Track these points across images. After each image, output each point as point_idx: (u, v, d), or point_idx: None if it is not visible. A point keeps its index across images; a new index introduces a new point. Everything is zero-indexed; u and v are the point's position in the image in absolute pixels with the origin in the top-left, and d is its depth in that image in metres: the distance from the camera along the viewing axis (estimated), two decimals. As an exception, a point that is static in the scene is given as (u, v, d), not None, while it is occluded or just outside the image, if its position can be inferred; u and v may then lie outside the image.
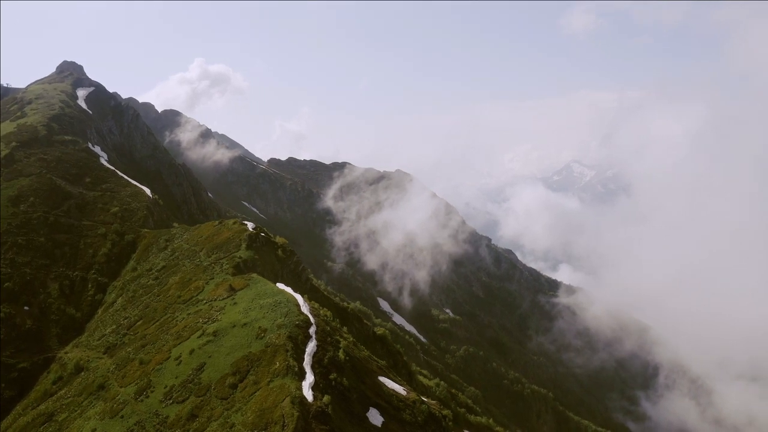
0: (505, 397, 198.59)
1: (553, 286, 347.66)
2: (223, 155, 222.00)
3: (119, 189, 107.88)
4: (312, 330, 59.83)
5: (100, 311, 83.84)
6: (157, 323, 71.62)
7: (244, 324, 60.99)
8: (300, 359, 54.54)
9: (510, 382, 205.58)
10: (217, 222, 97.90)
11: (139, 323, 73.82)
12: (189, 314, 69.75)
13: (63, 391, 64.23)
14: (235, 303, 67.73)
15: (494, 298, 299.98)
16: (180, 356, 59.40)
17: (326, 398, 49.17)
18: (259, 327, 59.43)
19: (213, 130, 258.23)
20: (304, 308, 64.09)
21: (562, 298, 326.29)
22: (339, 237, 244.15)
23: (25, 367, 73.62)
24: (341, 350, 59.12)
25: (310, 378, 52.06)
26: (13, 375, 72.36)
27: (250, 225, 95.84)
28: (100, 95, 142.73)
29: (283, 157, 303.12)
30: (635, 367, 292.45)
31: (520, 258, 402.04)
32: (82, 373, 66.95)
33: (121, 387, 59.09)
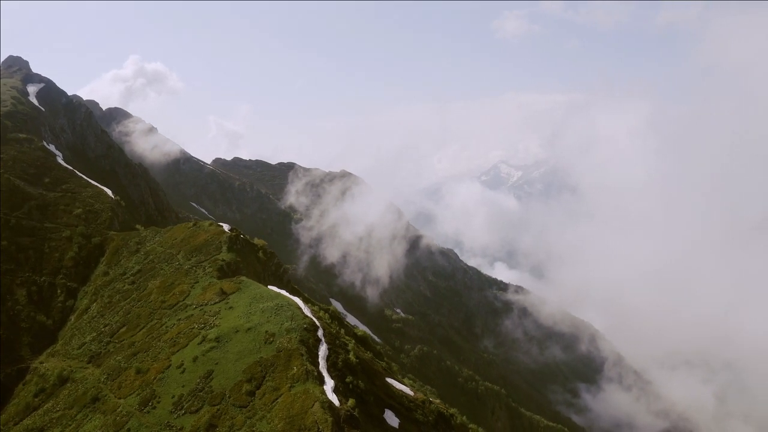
0: (461, 395, 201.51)
1: (494, 283, 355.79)
2: (169, 155, 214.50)
3: (80, 190, 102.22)
4: (320, 333, 58.86)
5: (72, 318, 79.24)
6: (144, 330, 68.52)
7: (248, 329, 59.22)
8: (315, 363, 53.61)
9: (464, 380, 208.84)
10: (191, 224, 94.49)
11: (122, 330, 70.34)
12: (179, 320, 67.07)
13: (49, 405, 60.29)
14: (230, 307, 65.65)
15: (441, 298, 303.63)
16: (182, 364, 57.03)
17: (351, 402, 48.57)
18: (266, 331, 57.86)
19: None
20: (307, 311, 62.96)
21: (506, 296, 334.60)
22: (290, 239, 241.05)
23: (-3, 378, 68.82)
24: (351, 353, 58.49)
25: (330, 382, 51.29)
26: (-16, 388, 67.48)
27: (226, 227, 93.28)
28: (51, 92, 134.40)
29: (223, 156, 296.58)
30: (579, 362, 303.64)
31: (459, 255, 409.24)
32: (68, 385, 63.11)
33: (119, 398, 56.12)
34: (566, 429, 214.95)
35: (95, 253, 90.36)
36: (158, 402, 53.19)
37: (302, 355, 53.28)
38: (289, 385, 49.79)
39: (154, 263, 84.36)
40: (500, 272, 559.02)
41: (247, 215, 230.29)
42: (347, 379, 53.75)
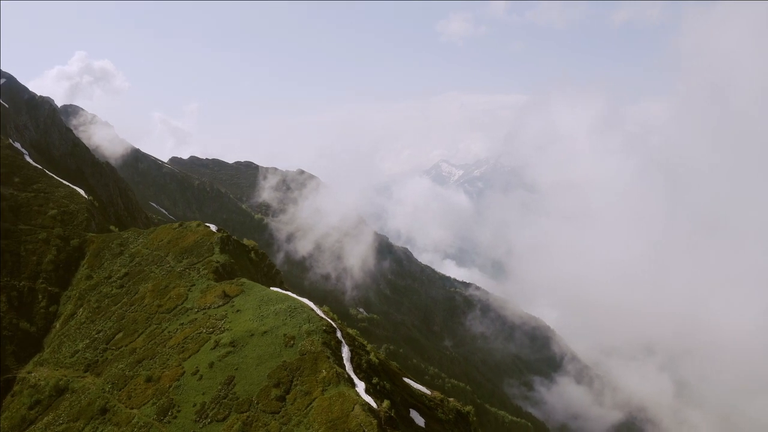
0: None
1: (449, 281, 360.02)
2: (126, 154, 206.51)
3: (52, 190, 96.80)
4: (339, 335, 57.90)
5: (57, 324, 74.96)
6: (143, 335, 65.64)
7: (265, 332, 57.59)
8: (342, 365, 52.74)
9: (431, 378, 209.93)
10: (176, 225, 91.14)
11: (119, 336, 67.12)
12: (182, 324, 64.62)
13: (49, 417, 56.79)
14: (238, 310, 63.72)
15: (402, 296, 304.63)
16: (198, 370, 54.94)
17: (386, 403, 47.95)
18: (284, 334, 56.41)
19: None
20: (320, 313, 61.80)
21: (463, 293, 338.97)
22: (252, 238, 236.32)
23: (-18, 391, 64.44)
24: (372, 353, 57.77)
25: (360, 384, 50.55)
26: (-33, 402, 63.04)
27: (213, 227, 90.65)
28: (12, 88, 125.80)
29: (176, 155, 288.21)
30: (534, 356, 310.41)
31: (412, 251, 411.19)
32: (67, 395, 59.63)
33: (131, 408, 53.51)
34: (529, 424, 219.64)
35: (75, 255, 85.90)
36: (178, 411, 51.02)
37: (328, 357, 52.24)
38: (321, 388, 48.68)
39: (142, 266, 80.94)
40: (452, 269, 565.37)
41: (208, 215, 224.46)
42: (373, 380, 53.07)
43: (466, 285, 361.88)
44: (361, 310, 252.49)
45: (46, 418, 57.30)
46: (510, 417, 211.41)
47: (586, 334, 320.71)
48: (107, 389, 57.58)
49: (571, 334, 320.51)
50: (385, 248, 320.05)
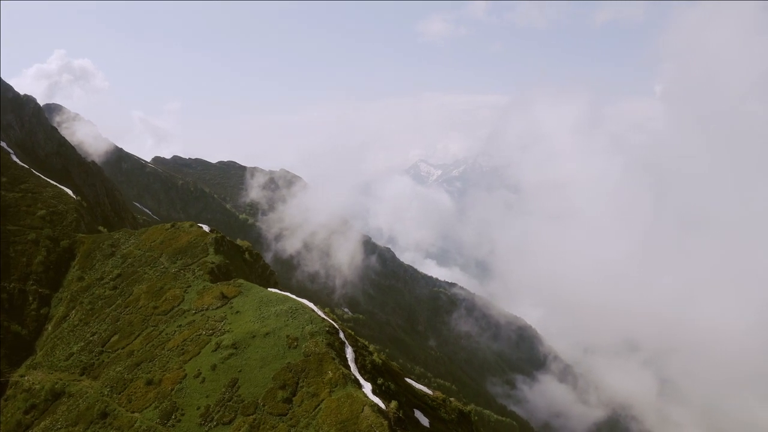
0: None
1: (432, 281, 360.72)
2: (110, 153, 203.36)
3: (40, 189, 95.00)
4: (342, 336, 57.69)
5: (49, 327, 73.57)
6: (140, 338, 64.75)
7: (266, 334, 57.18)
8: (347, 366, 52.57)
9: (417, 378, 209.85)
10: (168, 225, 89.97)
11: (114, 338, 66.11)
12: (180, 326, 63.88)
13: (47, 422, 55.75)
14: (237, 312, 63.18)
15: (386, 296, 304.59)
16: (200, 373, 54.37)
17: (394, 404, 47.90)
18: (287, 336, 56.09)
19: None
20: (321, 314, 61.54)
21: (447, 292, 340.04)
22: (238, 237, 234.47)
23: (-27, 396, 63.01)
24: (375, 354, 57.68)
25: (367, 385, 50.45)
26: (-42, 407, 61.58)
27: (206, 228, 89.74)
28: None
29: (158, 154, 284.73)
30: (516, 354, 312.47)
31: (393, 250, 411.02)
32: (63, 399, 58.57)
33: (132, 412, 52.78)
34: (515, 423, 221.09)
35: (65, 256, 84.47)
36: (182, 414, 50.44)
37: (333, 359, 52.06)
38: (329, 390, 48.50)
39: (135, 267, 79.84)
40: (433, 268, 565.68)
41: (192, 215, 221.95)
42: (379, 381, 53.00)
43: (449, 284, 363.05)
44: (346, 310, 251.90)
45: (43, 423, 56.28)
46: (495, 416, 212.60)
47: (570, 333, 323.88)
48: (106, 393, 56.70)
49: (554, 333, 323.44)
50: (368, 248, 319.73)
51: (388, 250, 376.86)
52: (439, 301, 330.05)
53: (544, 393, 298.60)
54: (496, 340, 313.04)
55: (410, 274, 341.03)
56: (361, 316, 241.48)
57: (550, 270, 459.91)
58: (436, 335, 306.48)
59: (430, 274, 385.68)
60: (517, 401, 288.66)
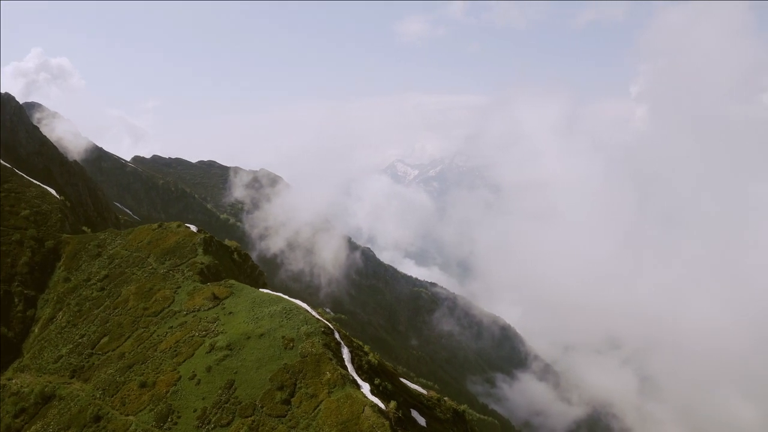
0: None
1: (412, 281, 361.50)
2: (90, 152, 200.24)
3: (23, 189, 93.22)
4: (337, 336, 57.69)
5: (36, 329, 72.24)
6: (130, 339, 63.97)
7: (261, 335, 56.89)
8: (344, 367, 52.60)
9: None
10: (155, 225, 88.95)
11: (104, 340, 65.19)
12: (171, 327, 63.22)
13: (37, 426, 54.75)
14: (230, 313, 62.77)
15: (367, 296, 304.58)
16: (194, 375, 53.91)
17: (393, 404, 48.07)
18: (283, 337, 55.87)
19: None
20: (315, 314, 61.45)
21: (427, 292, 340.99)
22: (220, 238, 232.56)
23: (-43, 400, 61.56)
24: (370, 354, 57.78)
25: (365, 385, 50.52)
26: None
27: (193, 228, 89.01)
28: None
29: (138, 154, 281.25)
30: (496, 353, 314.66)
31: (373, 249, 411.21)
32: (54, 403, 57.55)
33: (126, 415, 52.11)
34: (496, 422, 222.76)
35: (50, 257, 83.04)
36: (179, 417, 49.97)
37: (330, 359, 52.05)
38: (327, 390, 48.47)
39: (123, 268, 78.81)
40: (412, 267, 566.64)
41: (173, 215, 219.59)
42: (376, 381, 53.14)
43: (429, 284, 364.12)
44: (328, 310, 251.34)
45: (33, 427, 55.23)
46: (477, 415, 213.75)
47: (550, 332, 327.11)
48: (98, 396, 55.90)
49: (534, 331, 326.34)
50: (351, 247, 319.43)
51: (369, 249, 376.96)
52: (420, 300, 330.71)
53: (525, 391, 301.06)
54: (476, 339, 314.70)
55: (391, 273, 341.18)
56: (343, 316, 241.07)
57: (530, 269, 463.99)
58: (417, 335, 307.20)
59: (409, 274, 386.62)
60: (497, 400, 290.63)
